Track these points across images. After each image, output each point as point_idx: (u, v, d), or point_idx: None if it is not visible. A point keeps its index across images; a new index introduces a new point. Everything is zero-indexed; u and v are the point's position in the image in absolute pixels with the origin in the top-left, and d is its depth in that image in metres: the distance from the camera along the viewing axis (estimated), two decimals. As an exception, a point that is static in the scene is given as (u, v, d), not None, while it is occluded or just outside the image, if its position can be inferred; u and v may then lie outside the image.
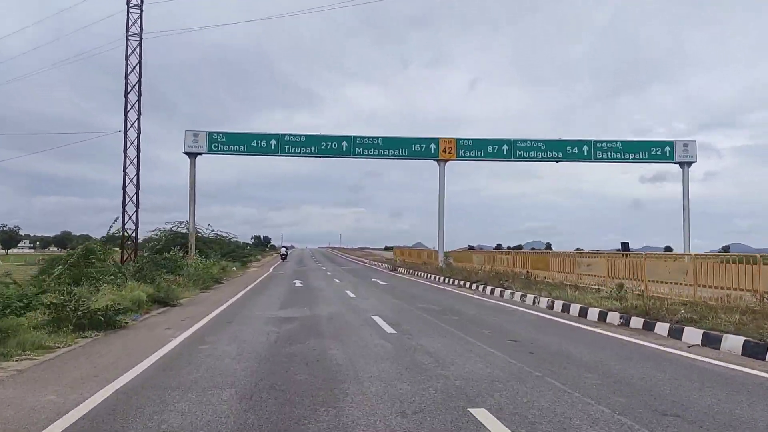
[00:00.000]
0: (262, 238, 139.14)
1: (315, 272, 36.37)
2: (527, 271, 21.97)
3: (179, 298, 16.34)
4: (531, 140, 34.32)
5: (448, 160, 34.15)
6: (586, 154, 33.90)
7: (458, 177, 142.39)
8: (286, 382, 6.39)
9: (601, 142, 34.08)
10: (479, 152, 34.24)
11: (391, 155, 34.32)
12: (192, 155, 33.31)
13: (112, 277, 16.36)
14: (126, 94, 30.73)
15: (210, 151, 33.13)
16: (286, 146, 33.51)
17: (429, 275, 29.83)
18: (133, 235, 31.01)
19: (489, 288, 20.01)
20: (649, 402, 5.56)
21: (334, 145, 33.77)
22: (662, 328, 10.11)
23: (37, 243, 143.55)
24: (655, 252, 16.92)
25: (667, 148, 33.91)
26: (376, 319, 12.21)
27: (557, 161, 34.28)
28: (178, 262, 23.75)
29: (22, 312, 9.43)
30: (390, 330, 10.56)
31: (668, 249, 47.02)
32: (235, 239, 48.08)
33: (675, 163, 33.94)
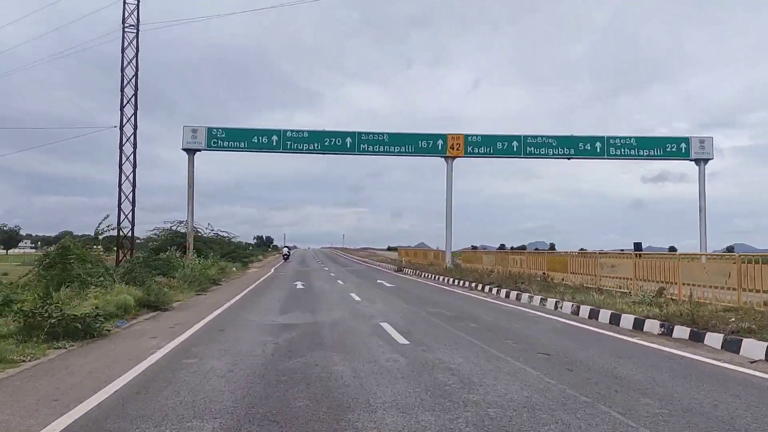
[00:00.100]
0: (264, 238, 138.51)
1: (317, 273, 35.22)
2: (543, 273, 20.76)
3: (171, 301, 15.23)
4: (542, 136, 32.93)
5: (456, 156, 32.88)
6: (599, 150, 32.56)
7: (459, 176, 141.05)
8: (283, 410, 5.27)
9: (615, 138, 32.69)
10: (488, 149, 32.94)
11: (397, 152, 32.98)
12: (191, 152, 32.06)
13: (101, 278, 15.40)
14: (122, 87, 29.56)
15: (209, 147, 31.85)
16: (288, 142, 32.26)
17: (436, 276, 28.63)
18: (129, 233, 29.84)
19: (504, 291, 18.80)
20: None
21: (338, 141, 32.49)
22: (714, 339, 8.90)
23: (39, 243, 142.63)
24: (690, 253, 15.66)
25: (683, 145, 32.53)
26: (385, 326, 11.04)
27: (569, 158, 33.00)
28: (173, 262, 22.59)
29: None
30: (402, 340, 9.40)
31: (672, 249, 45.83)
32: (235, 239, 47.04)
33: (690, 160, 32.49)
